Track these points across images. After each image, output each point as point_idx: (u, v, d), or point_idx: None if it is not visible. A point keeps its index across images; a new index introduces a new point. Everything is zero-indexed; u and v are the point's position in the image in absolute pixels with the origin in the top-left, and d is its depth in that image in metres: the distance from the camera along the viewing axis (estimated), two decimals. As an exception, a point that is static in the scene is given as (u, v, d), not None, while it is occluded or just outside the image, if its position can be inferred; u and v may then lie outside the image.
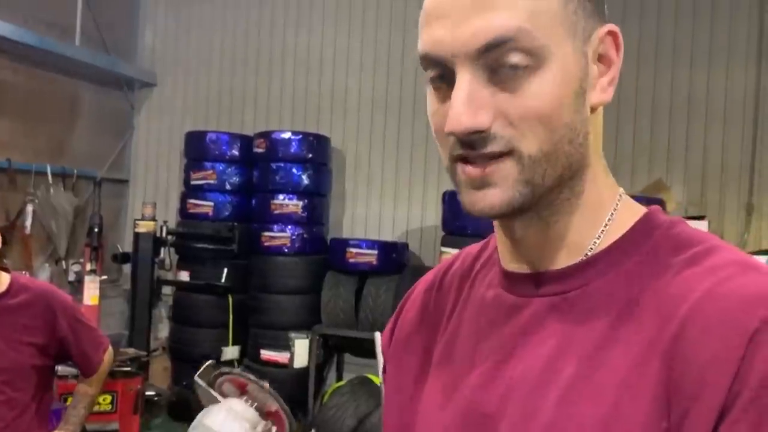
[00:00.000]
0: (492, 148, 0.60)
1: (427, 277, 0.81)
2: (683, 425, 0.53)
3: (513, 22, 0.57)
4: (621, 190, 0.68)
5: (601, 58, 0.63)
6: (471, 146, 0.60)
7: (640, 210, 0.67)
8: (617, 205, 0.66)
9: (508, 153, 0.60)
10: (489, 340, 0.67)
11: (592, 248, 0.65)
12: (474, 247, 0.78)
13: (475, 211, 0.62)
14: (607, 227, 0.65)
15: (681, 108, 4.80)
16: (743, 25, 4.68)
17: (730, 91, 4.71)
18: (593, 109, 0.63)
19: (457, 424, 0.67)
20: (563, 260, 0.65)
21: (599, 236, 0.65)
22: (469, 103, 0.58)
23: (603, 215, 0.66)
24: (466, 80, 0.59)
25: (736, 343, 0.53)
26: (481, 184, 0.61)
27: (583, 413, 0.58)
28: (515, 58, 0.58)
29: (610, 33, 0.63)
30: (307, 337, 4.74)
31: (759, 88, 4.66)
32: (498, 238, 0.70)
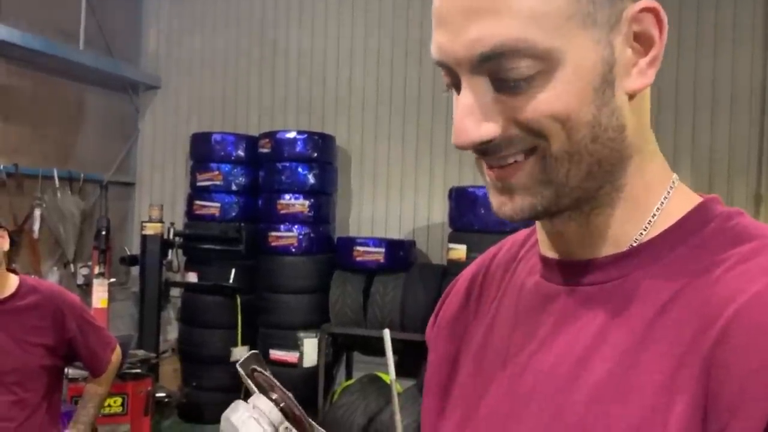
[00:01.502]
0: (508, 151, 0.57)
1: (473, 265, 0.79)
2: None
3: (511, 31, 0.53)
4: (674, 176, 0.64)
5: (639, 38, 0.57)
6: (484, 153, 0.58)
7: (695, 200, 0.62)
8: (668, 193, 0.62)
9: (529, 151, 0.57)
10: (524, 328, 0.65)
11: (637, 239, 0.61)
12: (522, 233, 0.74)
13: (500, 215, 0.60)
14: (655, 218, 0.61)
15: (687, 98, 4.77)
16: (748, 13, 4.65)
17: (736, 79, 4.68)
18: (632, 96, 0.58)
19: (488, 414, 0.65)
20: (604, 251, 0.62)
21: (645, 227, 0.61)
22: (472, 115, 0.56)
23: (650, 206, 0.61)
24: (468, 90, 0.56)
25: None
26: (503, 188, 0.59)
27: (613, 414, 0.54)
28: (519, 66, 0.54)
29: (647, 9, 0.57)
30: (316, 336, 4.74)
31: (766, 77, 4.63)
32: (537, 225, 0.68)
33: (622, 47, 0.57)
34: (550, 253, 0.66)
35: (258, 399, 0.89)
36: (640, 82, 0.58)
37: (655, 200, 0.61)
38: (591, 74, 0.55)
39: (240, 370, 0.92)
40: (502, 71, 0.55)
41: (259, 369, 0.95)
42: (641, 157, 0.61)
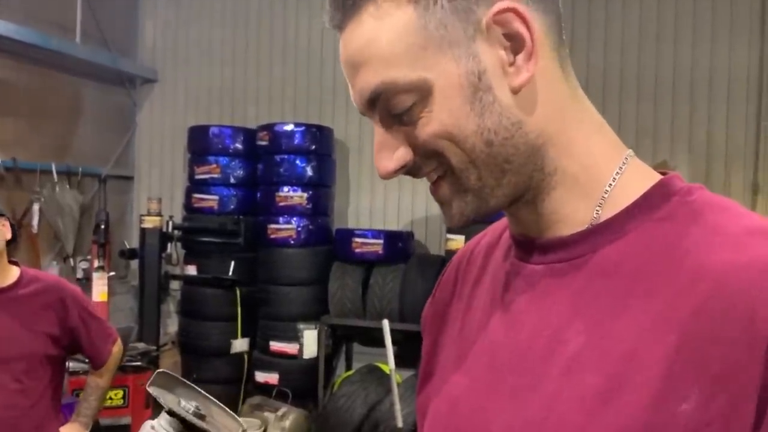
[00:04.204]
0: (427, 170, 0.64)
1: (461, 250, 0.82)
2: (712, 407, 0.51)
3: (377, 76, 0.61)
4: (628, 152, 0.65)
5: (509, 38, 0.61)
6: (412, 175, 0.65)
7: (655, 176, 0.64)
8: (621, 169, 0.64)
9: (442, 175, 0.64)
10: (499, 307, 0.68)
11: (596, 216, 0.63)
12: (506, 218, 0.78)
13: (446, 224, 0.68)
14: (609, 194, 0.63)
15: (684, 87, 4.77)
16: (745, 1, 4.65)
17: (733, 68, 4.68)
18: (516, 92, 0.61)
19: (467, 390, 0.68)
20: (567, 229, 0.64)
21: (600, 204, 0.63)
22: (384, 149, 0.64)
23: (599, 182, 0.63)
24: (377, 128, 0.65)
25: (763, 315, 0.50)
26: (439, 201, 0.66)
27: (586, 384, 0.56)
28: (397, 102, 0.61)
29: (503, 11, 0.60)
30: (316, 328, 4.76)
31: (763, 65, 4.63)
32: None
33: (491, 52, 0.61)
34: (520, 234, 0.69)
35: (160, 417, 0.96)
36: (521, 78, 0.61)
37: (604, 177, 0.64)
38: (460, 89, 0.60)
39: (150, 391, 0.97)
40: (388, 108, 0.62)
41: (172, 378, 1.00)
42: (565, 140, 0.63)
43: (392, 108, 0.62)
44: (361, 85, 0.63)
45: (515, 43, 0.61)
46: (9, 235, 2.11)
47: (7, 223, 2.11)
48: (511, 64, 0.61)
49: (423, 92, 0.60)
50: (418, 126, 0.62)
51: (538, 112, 0.62)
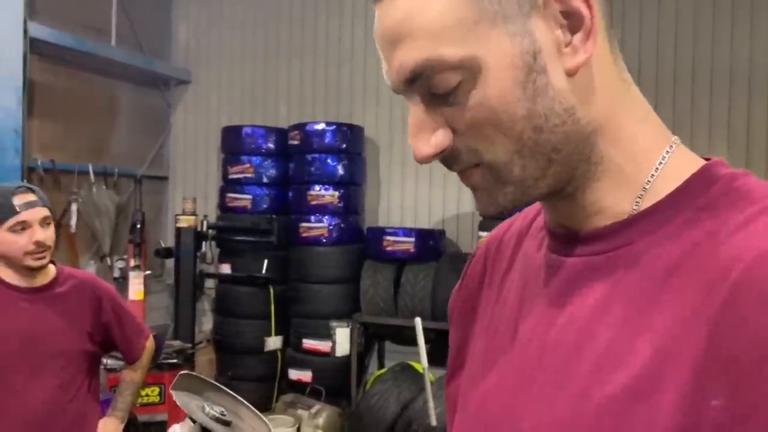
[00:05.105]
0: (459, 164, 0.60)
1: (491, 234, 0.79)
2: (739, 405, 0.48)
3: (421, 52, 0.56)
4: (673, 139, 0.61)
5: (567, 16, 0.56)
6: (445, 163, 0.61)
7: (698, 162, 0.60)
8: (664, 158, 0.60)
9: (476, 165, 0.60)
10: (531, 299, 0.65)
11: (636, 207, 0.59)
12: (537, 205, 0.73)
13: (479, 213, 0.63)
14: (651, 184, 0.59)
15: (722, 78, 4.66)
16: (785, -8, 4.52)
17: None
18: (571, 74, 0.57)
19: (497, 385, 0.66)
20: (603, 221, 0.61)
21: (641, 195, 0.59)
22: (419, 132, 0.59)
23: (643, 172, 0.60)
24: (412, 110, 0.59)
25: None
26: (472, 188, 0.62)
27: (615, 382, 0.54)
28: (441, 81, 0.56)
29: None
30: (348, 326, 4.77)
31: (804, 57, 4.50)
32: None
33: (547, 31, 0.56)
34: (555, 225, 0.65)
35: (184, 422, 0.96)
36: (577, 60, 0.57)
37: (648, 166, 0.60)
38: (512, 70, 0.56)
39: (174, 395, 0.97)
40: (430, 88, 0.57)
41: (197, 380, 1.00)
42: (615, 128, 0.60)
43: (435, 87, 0.57)
44: (400, 61, 0.57)
45: (573, 22, 0.56)
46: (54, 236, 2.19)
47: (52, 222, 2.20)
48: (568, 44, 0.57)
49: (471, 71, 0.55)
50: (462, 108, 0.57)
51: (592, 97, 0.58)
